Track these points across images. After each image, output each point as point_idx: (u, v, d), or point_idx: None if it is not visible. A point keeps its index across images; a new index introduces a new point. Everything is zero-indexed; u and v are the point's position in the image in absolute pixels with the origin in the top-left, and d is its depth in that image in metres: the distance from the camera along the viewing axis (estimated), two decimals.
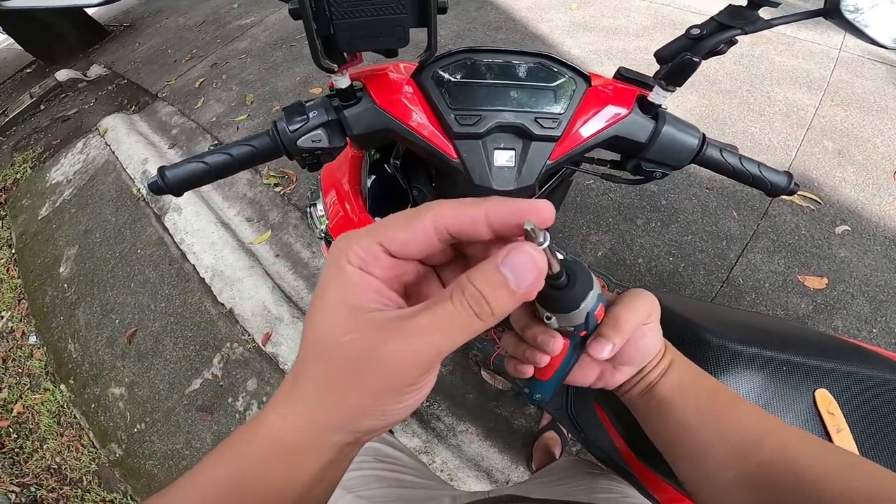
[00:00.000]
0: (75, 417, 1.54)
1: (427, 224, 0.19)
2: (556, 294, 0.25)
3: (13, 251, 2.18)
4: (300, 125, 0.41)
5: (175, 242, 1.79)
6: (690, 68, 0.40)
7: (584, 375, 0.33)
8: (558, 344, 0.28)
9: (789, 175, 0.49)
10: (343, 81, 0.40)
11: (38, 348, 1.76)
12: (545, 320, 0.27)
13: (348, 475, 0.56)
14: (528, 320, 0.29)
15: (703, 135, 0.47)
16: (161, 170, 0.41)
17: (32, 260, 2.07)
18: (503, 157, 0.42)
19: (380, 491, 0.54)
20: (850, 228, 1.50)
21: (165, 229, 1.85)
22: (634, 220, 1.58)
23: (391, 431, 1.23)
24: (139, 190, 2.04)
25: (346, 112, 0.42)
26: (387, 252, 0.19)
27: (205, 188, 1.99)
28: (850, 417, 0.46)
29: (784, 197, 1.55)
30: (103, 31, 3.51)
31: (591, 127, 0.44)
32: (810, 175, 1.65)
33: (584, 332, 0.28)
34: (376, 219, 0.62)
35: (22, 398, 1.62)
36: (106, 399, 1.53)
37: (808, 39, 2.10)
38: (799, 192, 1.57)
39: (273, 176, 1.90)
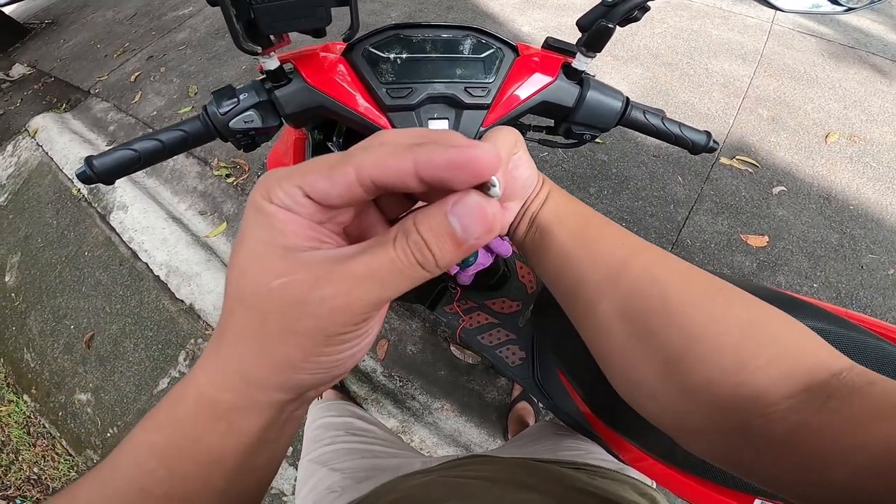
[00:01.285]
0: (45, 427, 1.51)
1: (350, 175, 0.16)
2: None
3: None
4: (231, 107, 0.42)
5: (124, 241, 1.74)
6: (607, 34, 0.43)
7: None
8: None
9: (708, 134, 0.51)
10: (271, 63, 0.41)
11: None
12: None
13: (322, 450, 0.59)
14: None
15: (627, 98, 0.49)
16: (88, 159, 0.40)
17: None
18: (437, 127, 0.43)
19: (353, 462, 0.55)
20: (786, 189, 1.61)
21: (112, 229, 1.79)
22: (587, 189, 1.66)
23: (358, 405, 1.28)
24: (79, 190, 1.95)
25: (277, 93, 0.42)
26: (308, 198, 0.17)
27: (150, 184, 1.93)
28: None
29: (723, 160, 1.69)
30: (22, 29, 3.24)
31: (520, 94, 0.46)
32: (747, 140, 1.76)
33: None
34: None
35: None
36: (73, 406, 1.50)
37: (743, 13, 2.23)
38: (737, 157, 1.70)
39: (224, 167, 1.87)
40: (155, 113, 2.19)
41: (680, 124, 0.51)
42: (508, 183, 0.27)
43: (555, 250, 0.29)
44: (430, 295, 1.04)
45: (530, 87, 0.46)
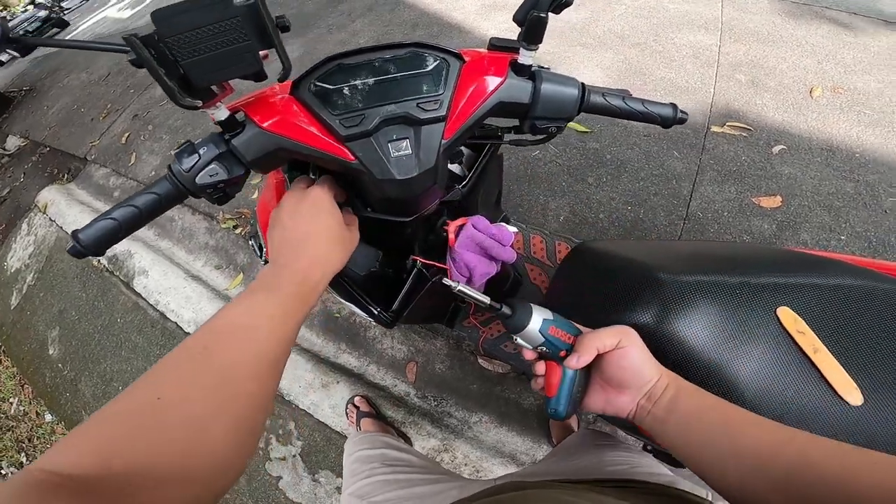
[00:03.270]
0: None
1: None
2: (506, 322, 0.43)
3: None
4: (193, 163, 0.42)
5: (151, 305, 1.85)
6: (541, 24, 0.42)
7: (595, 401, 0.42)
8: (529, 355, 0.44)
9: (673, 106, 0.51)
10: (221, 113, 0.41)
11: (57, 424, 1.84)
12: (515, 342, 0.43)
13: (359, 483, 0.61)
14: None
15: (583, 84, 0.49)
16: (74, 234, 0.40)
17: (19, 348, 2.10)
18: (399, 148, 0.44)
19: (390, 494, 0.57)
20: (785, 147, 1.58)
21: (138, 294, 1.90)
22: (586, 179, 1.65)
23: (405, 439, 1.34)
24: (99, 261, 2.05)
25: (234, 142, 0.43)
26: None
27: (164, 245, 2.02)
28: (821, 332, 0.45)
29: (715, 129, 1.71)
30: (5, 98, 3.31)
31: (474, 99, 0.46)
32: (733, 107, 1.74)
33: (563, 353, 0.42)
34: None
35: None
36: None
37: None
38: (728, 123, 1.68)
39: (230, 219, 1.94)
40: (153, 173, 2.26)
41: (643, 101, 0.50)
42: (615, 371, 0.39)
43: (690, 445, 0.34)
44: (445, 313, 1.08)
45: (483, 91, 0.46)
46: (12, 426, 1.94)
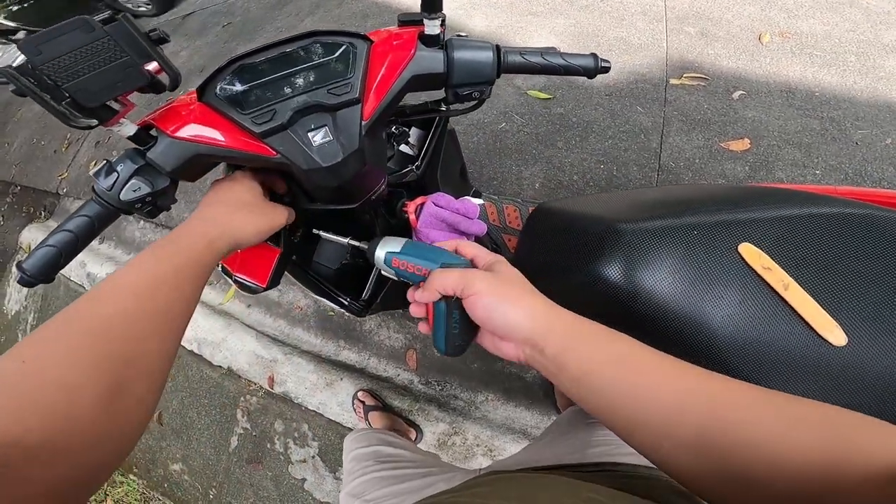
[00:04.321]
0: (160, 500, 1.71)
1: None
2: (366, 257, 0.45)
3: None
4: (113, 181, 0.42)
5: None
6: None
7: (485, 342, 0.38)
8: (389, 273, 0.43)
9: (594, 56, 0.51)
10: (128, 129, 0.42)
11: None
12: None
13: (355, 482, 0.63)
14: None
15: (497, 46, 0.49)
16: (19, 265, 0.41)
17: None
18: (319, 136, 0.44)
19: (383, 491, 0.59)
20: (745, 92, 1.61)
21: None
22: (555, 144, 1.66)
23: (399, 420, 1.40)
24: None
25: (149, 154, 0.43)
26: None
27: None
28: (788, 266, 0.42)
29: (673, 81, 1.71)
30: None
31: (388, 77, 0.46)
32: (687, 58, 1.74)
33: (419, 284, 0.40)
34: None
35: (108, 495, 1.79)
36: (172, 477, 1.68)
37: None
38: (685, 75, 1.70)
39: None
40: None
41: (563, 55, 0.51)
42: (480, 316, 0.34)
43: (593, 404, 0.30)
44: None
45: (395, 67, 0.46)
46: None
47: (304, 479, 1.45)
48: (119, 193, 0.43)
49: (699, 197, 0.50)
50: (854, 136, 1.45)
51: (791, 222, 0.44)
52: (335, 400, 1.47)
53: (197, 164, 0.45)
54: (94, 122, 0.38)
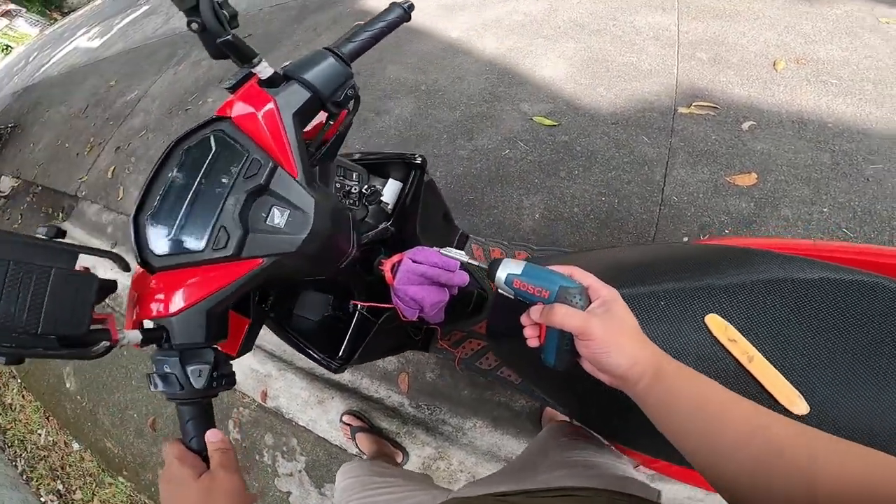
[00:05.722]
0: (146, 503, 1.73)
1: None
2: (488, 276, 0.44)
3: (20, 381, 2.34)
4: (176, 381, 0.43)
5: None
6: (229, 45, 0.43)
7: (586, 366, 0.41)
8: (508, 293, 0.43)
9: (394, 4, 0.57)
10: (134, 336, 0.42)
11: (84, 452, 1.96)
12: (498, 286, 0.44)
13: None
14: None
15: (326, 48, 0.52)
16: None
17: (39, 383, 2.23)
18: (276, 217, 0.44)
19: None
20: (755, 122, 1.55)
21: None
22: (558, 174, 1.65)
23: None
24: (107, 304, 2.12)
25: (175, 342, 0.44)
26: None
27: None
28: (755, 333, 0.42)
29: (682, 110, 1.68)
30: None
31: (276, 132, 0.46)
32: (698, 85, 1.71)
33: (540, 305, 0.41)
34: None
35: (96, 495, 1.82)
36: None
37: None
38: (694, 104, 1.65)
39: None
40: None
41: (375, 19, 0.56)
42: (589, 354, 0.38)
43: (669, 425, 0.35)
44: (417, 339, 1.10)
45: (274, 121, 0.46)
46: (44, 455, 2.07)
47: (289, 493, 1.46)
48: (192, 386, 0.43)
49: (671, 260, 0.50)
50: (866, 171, 1.39)
51: (762, 288, 0.43)
52: (325, 417, 1.48)
53: (216, 318, 0.44)
54: (106, 342, 0.38)
